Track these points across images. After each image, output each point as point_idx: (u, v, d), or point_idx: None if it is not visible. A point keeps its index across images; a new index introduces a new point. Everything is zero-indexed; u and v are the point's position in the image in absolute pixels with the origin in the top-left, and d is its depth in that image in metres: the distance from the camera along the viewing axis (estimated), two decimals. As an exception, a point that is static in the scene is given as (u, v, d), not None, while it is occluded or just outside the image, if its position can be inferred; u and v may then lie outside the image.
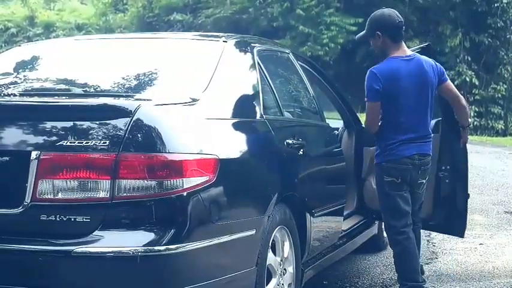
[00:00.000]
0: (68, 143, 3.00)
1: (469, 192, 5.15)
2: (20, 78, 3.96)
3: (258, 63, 4.13)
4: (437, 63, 4.69)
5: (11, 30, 29.88)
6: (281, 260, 3.84)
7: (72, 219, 2.98)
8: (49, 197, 2.99)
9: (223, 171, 3.21)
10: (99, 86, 3.68)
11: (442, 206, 5.08)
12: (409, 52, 4.68)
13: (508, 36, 23.93)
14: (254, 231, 3.46)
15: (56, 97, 3.50)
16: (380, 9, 4.78)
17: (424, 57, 4.69)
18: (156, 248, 2.95)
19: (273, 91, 4.19)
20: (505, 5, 23.14)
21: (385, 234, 6.16)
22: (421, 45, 5.26)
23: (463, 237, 5.24)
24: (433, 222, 5.17)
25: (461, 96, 4.79)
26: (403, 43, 4.70)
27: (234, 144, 3.49)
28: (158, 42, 4.53)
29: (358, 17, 22.19)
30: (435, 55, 5.26)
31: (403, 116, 4.56)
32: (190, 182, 3.05)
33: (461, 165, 5.08)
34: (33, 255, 2.98)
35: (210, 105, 3.46)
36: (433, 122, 4.96)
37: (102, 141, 2.99)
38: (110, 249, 2.93)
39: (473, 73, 23.44)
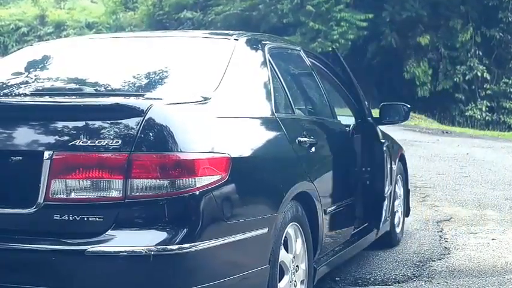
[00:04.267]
0: (81, 143, 3.01)
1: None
2: (32, 78, 3.97)
3: (269, 60, 4.13)
4: None
5: (22, 29, 30.00)
6: (293, 257, 3.84)
7: (85, 219, 2.99)
8: (62, 196, 3.00)
9: (235, 170, 3.21)
10: (110, 85, 3.69)
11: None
12: None
13: (519, 31, 23.81)
14: (267, 229, 3.46)
15: (68, 97, 3.51)
16: None
17: None
18: (169, 247, 2.95)
19: (284, 89, 4.19)
20: (516, -2, 23.03)
21: (397, 230, 6.19)
22: None
23: (378, 229, 5.40)
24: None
25: None
26: None
27: (245, 143, 3.49)
28: (169, 41, 4.52)
29: (368, 12, 22.07)
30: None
31: None
32: (203, 180, 3.06)
33: (378, 163, 5.35)
34: (46, 255, 2.99)
35: (222, 104, 3.46)
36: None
37: (114, 141, 3.00)
38: (123, 249, 2.94)
39: (484, 68, 23.35)
